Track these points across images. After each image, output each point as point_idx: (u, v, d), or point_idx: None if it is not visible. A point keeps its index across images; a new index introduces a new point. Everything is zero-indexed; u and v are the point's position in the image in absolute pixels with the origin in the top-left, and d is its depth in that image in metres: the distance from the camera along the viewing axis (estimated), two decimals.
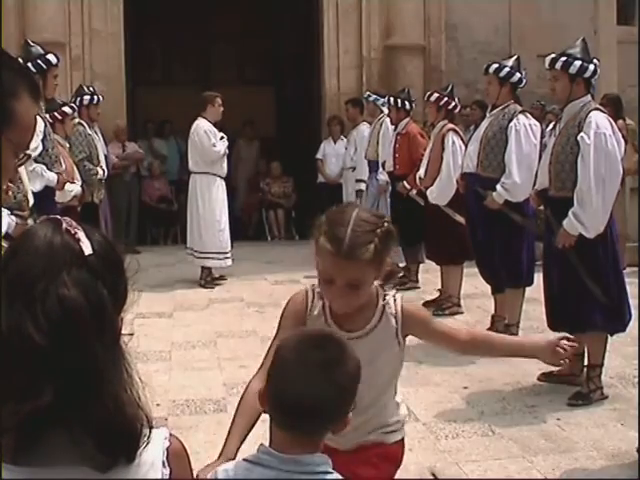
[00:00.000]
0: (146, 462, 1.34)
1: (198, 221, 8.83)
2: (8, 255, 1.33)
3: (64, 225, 1.34)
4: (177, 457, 1.41)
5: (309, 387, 1.61)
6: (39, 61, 5.92)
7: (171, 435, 1.42)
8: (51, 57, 6.02)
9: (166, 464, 1.38)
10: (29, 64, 5.83)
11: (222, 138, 8.82)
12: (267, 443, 1.71)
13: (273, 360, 1.72)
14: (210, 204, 8.80)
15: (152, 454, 1.36)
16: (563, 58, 5.16)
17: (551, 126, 5.47)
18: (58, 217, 1.37)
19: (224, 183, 9.00)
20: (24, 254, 1.31)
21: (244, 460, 1.72)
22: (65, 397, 1.26)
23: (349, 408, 1.68)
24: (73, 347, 1.26)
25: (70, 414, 1.27)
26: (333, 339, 1.73)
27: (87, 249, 1.31)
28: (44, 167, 5.81)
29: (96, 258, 1.32)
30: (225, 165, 8.93)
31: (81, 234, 1.33)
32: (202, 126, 8.78)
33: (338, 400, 1.65)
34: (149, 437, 1.34)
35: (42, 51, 6.09)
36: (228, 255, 8.88)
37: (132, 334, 1.38)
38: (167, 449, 1.39)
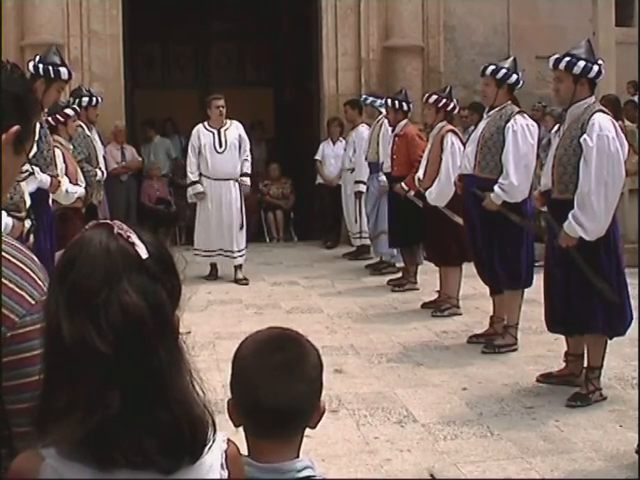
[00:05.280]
0: (206, 463, 1.34)
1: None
2: (65, 266, 1.29)
3: (115, 229, 1.30)
4: (234, 461, 1.41)
5: (281, 392, 1.57)
6: (50, 68, 5.78)
7: (228, 439, 1.42)
8: (63, 70, 5.85)
9: (224, 466, 1.37)
10: (40, 65, 5.76)
11: None
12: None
13: (234, 372, 1.64)
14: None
15: (212, 456, 1.35)
16: (567, 58, 5.07)
17: (556, 128, 5.42)
18: (108, 221, 1.33)
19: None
20: (82, 264, 1.27)
21: None
22: (131, 403, 1.24)
23: (320, 396, 1.65)
24: (138, 354, 1.24)
25: (136, 418, 1.25)
26: (289, 335, 1.67)
27: (143, 253, 1.29)
28: (38, 169, 5.75)
29: (152, 260, 1.29)
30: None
31: (134, 237, 1.30)
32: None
33: (310, 395, 1.62)
34: (214, 437, 1.34)
35: (59, 61, 5.93)
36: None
37: (189, 332, 1.36)
38: (225, 452, 1.39)
